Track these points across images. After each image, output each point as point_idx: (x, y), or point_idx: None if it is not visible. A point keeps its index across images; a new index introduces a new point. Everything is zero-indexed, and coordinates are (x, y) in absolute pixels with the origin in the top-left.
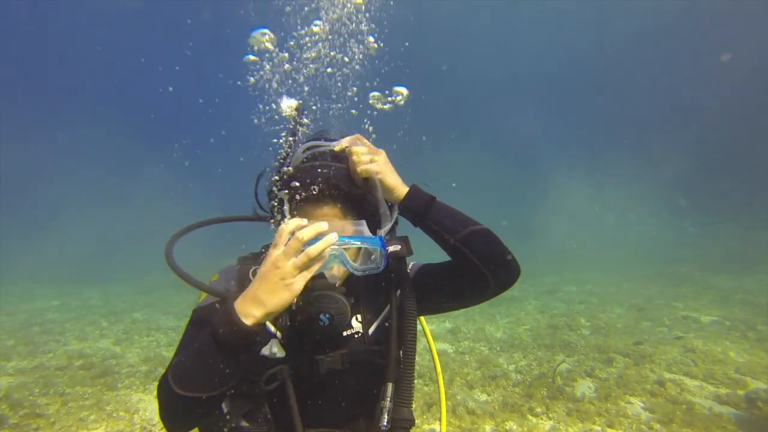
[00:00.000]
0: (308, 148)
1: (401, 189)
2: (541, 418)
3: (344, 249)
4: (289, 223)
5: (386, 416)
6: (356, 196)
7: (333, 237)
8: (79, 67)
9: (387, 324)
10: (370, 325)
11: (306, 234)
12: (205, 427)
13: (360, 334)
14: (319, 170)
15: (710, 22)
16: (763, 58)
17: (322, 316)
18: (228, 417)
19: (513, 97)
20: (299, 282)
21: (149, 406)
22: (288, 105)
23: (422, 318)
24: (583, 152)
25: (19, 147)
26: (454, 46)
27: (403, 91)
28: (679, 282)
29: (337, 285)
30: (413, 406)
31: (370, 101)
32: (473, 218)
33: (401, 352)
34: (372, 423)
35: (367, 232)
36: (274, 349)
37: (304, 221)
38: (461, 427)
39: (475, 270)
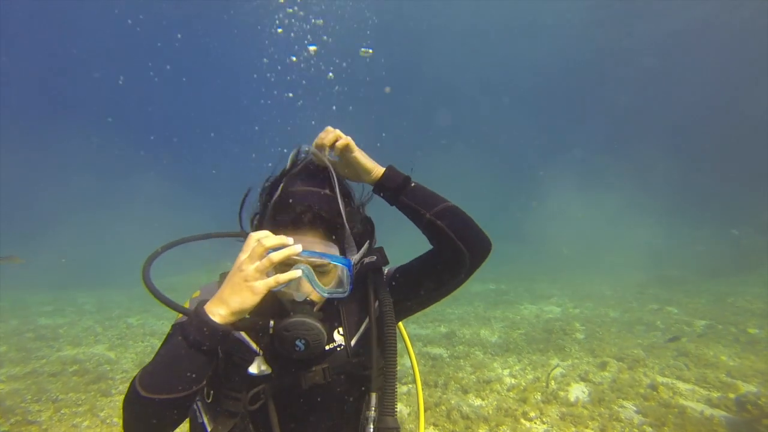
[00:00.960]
0: (292, 171)
1: (377, 169)
2: (535, 423)
3: (310, 265)
4: (258, 233)
5: (371, 426)
6: (339, 224)
7: (297, 248)
8: (74, 76)
9: (368, 335)
10: (352, 337)
11: (270, 241)
12: None
13: (342, 347)
14: (302, 196)
15: (702, 27)
16: (756, 60)
17: (297, 342)
18: None
19: (504, 101)
20: (261, 285)
21: None
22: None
23: (401, 324)
24: (574, 157)
25: (13, 155)
26: (445, 49)
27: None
28: (672, 286)
29: (315, 310)
30: (407, 411)
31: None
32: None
33: (383, 362)
34: None
35: (336, 254)
36: (262, 366)
37: (269, 234)
38: None
39: (450, 244)
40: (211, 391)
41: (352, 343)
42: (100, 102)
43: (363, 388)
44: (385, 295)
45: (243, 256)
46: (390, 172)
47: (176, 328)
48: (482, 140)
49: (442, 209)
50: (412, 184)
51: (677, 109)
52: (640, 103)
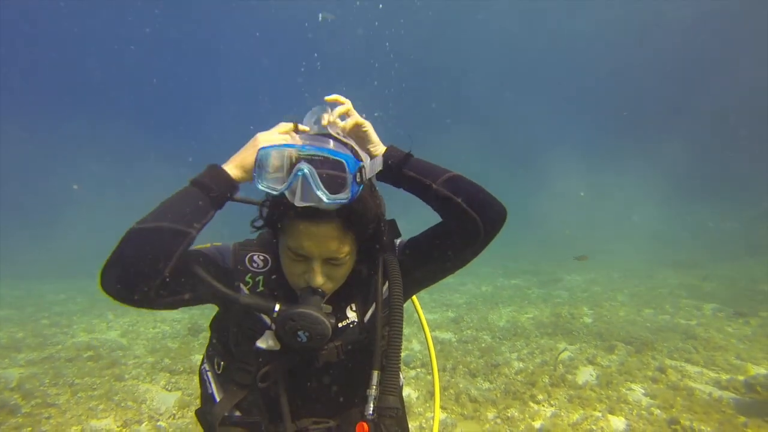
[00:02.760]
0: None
1: (380, 146)
2: (543, 405)
3: (311, 160)
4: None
5: (372, 404)
6: (356, 212)
7: (297, 143)
8: (84, 61)
9: (378, 314)
10: (365, 314)
11: (286, 127)
12: (199, 416)
13: (355, 324)
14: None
15: (716, 11)
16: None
17: (300, 333)
18: (220, 405)
19: (510, 82)
20: (261, 140)
21: (156, 396)
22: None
23: (417, 303)
24: (580, 138)
25: (23, 142)
26: (451, 30)
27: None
28: (682, 269)
29: (323, 300)
30: (416, 395)
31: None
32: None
33: (387, 340)
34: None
35: (348, 153)
36: (270, 341)
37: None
38: (463, 415)
39: (462, 213)
40: (222, 363)
41: (365, 319)
42: (112, 86)
43: (368, 366)
44: (395, 274)
45: None
46: (392, 148)
47: None
48: (487, 120)
49: (448, 178)
50: (415, 159)
51: (687, 94)
52: (651, 85)
